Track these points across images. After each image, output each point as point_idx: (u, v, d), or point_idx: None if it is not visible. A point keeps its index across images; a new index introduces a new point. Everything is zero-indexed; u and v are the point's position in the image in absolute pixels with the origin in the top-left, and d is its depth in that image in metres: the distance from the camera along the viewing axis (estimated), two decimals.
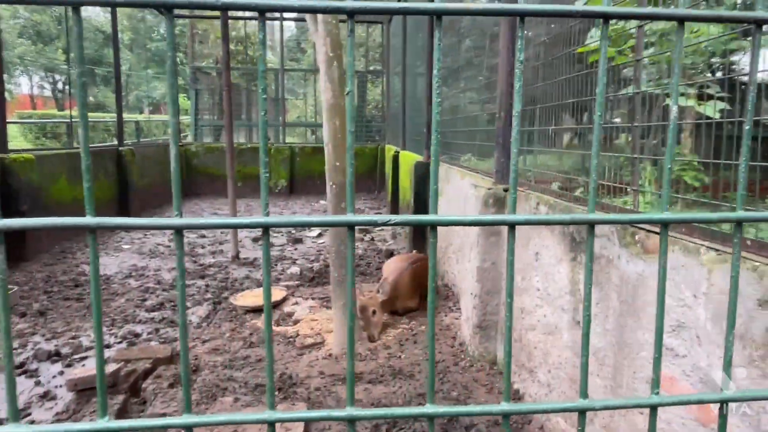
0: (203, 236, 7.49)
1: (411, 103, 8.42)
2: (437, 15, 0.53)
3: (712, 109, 2.45)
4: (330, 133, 3.37)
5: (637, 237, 1.82)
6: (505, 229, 3.20)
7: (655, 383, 0.60)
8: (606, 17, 0.48)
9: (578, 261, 2.24)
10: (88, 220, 0.56)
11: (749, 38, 2.38)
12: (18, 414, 0.55)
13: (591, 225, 0.59)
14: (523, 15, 0.50)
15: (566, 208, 2.41)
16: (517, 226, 3.00)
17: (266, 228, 0.58)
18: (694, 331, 1.51)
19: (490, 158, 4.44)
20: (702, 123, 2.09)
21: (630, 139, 2.71)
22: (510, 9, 0.51)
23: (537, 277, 2.75)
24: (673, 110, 0.50)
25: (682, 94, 2.58)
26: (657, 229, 1.76)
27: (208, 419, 0.56)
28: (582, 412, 0.60)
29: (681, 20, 0.46)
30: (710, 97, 2.70)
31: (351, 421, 0.57)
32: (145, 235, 7.64)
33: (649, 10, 0.46)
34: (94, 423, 0.54)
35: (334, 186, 3.38)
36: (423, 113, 6.75)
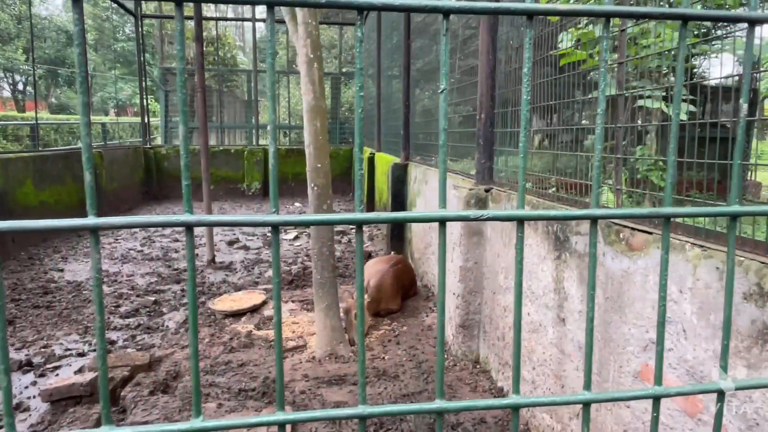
0: (176, 240, 7.33)
1: (386, 105, 8.43)
2: (529, 15, 0.52)
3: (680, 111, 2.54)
4: (311, 135, 3.33)
5: (621, 235, 1.87)
6: (487, 229, 3.23)
7: (724, 369, 0.61)
8: (685, 19, 0.48)
9: (562, 259, 2.27)
10: (188, 217, 0.53)
11: (713, 43, 2.46)
12: (110, 417, 0.53)
13: (667, 219, 0.61)
14: (610, 16, 0.50)
15: (550, 207, 2.45)
16: (499, 226, 3.02)
17: (360, 225, 0.56)
18: (680, 325, 1.55)
19: (464, 159, 4.48)
20: (668, 124, 2.15)
21: (594, 139, 2.77)
22: (600, 10, 0.51)
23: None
24: (743, 107, 0.51)
25: (649, 97, 2.66)
26: (645, 228, 1.81)
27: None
28: (656, 399, 0.61)
29: (752, 23, 0.47)
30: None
31: (440, 413, 0.56)
32: (116, 240, 7.43)
33: (723, 12, 0.47)
34: (189, 422, 0.51)
35: (315, 188, 3.35)
36: (399, 115, 6.77)
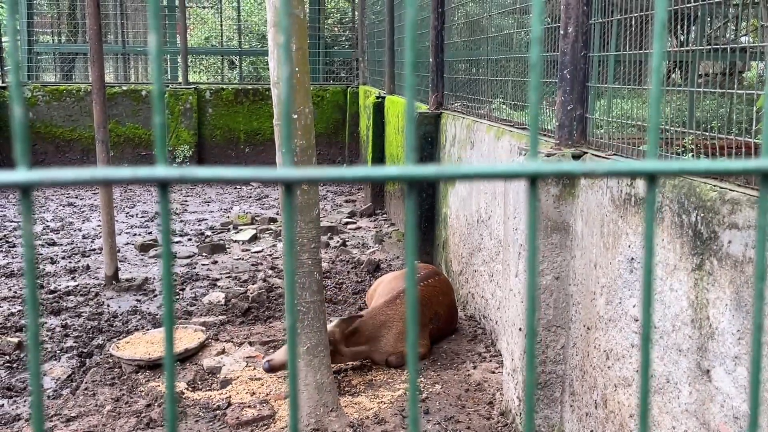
0: (53, 243, 7.45)
1: (402, 18, 8.46)
2: None
3: None
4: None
5: None
6: (577, 221, 3.27)
7: None
8: None
9: (706, 270, 2.31)
10: (159, 171, 0.57)
11: None
12: None
13: None
14: None
15: (689, 188, 2.48)
16: (597, 216, 3.07)
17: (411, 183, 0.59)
18: None
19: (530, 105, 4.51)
20: None
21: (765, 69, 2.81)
22: None
23: (633, 298, 2.83)
24: None
25: None
26: None
27: None
28: None
29: None
30: None
31: None
32: None
33: None
34: None
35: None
36: (424, 34, 6.80)
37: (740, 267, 2.16)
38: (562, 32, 3.42)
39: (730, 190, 2.27)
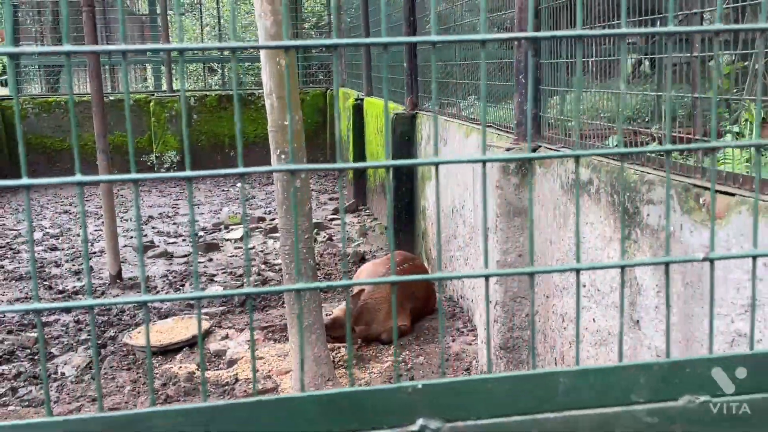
0: (54, 248, 7.83)
1: (378, 22, 8.84)
2: None
3: None
4: (275, 78, 3.84)
5: (702, 200, 2.41)
6: (534, 206, 3.76)
7: None
8: None
9: (633, 239, 2.81)
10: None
11: None
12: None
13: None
14: None
15: (618, 172, 2.98)
16: (551, 201, 3.56)
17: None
18: None
19: (499, 104, 4.97)
20: None
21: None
22: None
23: None
24: None
25: None
26: (729, 189, 2.35)
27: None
28: None
29: None
30: None
31: None
32: None
33: None
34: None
35: (284, 156, 3.86)
36: (399, 37, 7.24)
37: (656, 234, 2.66)
38: (516, 43, 3.89)
39: (647, 173, 2.77)
